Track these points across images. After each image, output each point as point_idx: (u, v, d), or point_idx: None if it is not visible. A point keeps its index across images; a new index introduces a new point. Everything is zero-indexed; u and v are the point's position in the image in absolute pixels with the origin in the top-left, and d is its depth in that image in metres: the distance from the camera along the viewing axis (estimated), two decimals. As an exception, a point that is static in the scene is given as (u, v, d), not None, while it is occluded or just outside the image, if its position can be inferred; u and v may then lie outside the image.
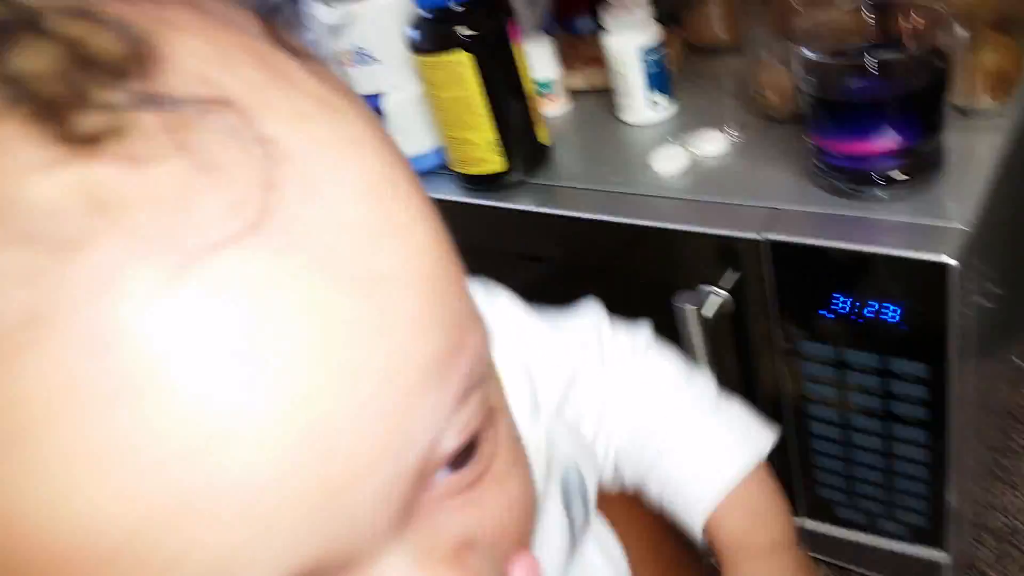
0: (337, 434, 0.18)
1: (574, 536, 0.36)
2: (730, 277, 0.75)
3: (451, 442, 0.21)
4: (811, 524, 0.90)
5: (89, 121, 0.16)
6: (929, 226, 0.64)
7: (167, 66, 0.18)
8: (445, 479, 0.22)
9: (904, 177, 0.67)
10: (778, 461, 0.86)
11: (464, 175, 0.89)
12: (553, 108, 0.99)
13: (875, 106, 0.64)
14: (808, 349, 0.74)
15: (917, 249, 0.63)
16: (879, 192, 0.68)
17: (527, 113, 0.86)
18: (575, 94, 1.01)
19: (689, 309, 0.73)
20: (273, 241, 0.17)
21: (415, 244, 0.20)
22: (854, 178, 0.68)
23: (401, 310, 0.19)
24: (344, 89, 0.21)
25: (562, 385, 0.42)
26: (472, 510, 0.23)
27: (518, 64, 0.84)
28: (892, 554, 0.85)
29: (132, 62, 0.17)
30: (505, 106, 0.84)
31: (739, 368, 0.81)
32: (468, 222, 0.93)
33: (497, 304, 0.44)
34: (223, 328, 0.17)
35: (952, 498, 0.76)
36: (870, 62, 0.62)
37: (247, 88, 0.18)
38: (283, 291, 0.17)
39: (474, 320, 0.22)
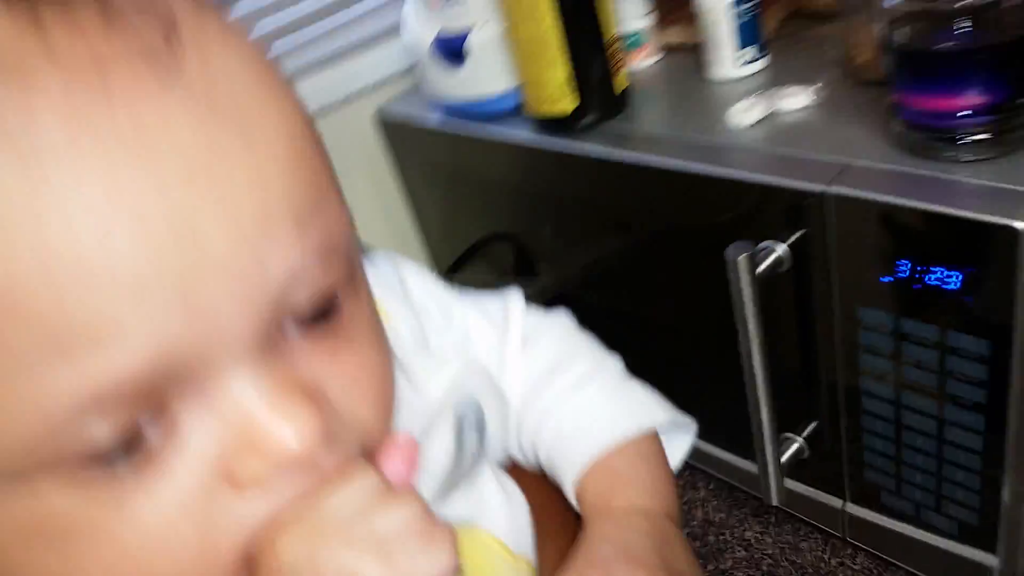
0: (201, 229, 0.21)
1: (461, 463, 0.36)
2: (792, 234, 0.72)
3: (307, 290, 0.24)
4: (855, 509, 0.86)
5: None
6: (1007, 190, 0.60)
7: None
8: (303, 331, 0.25)
9: (986, 136, 0.62)
10: (828, 437, 0.84)
11: (537, 118, 0.89)
12: (641, 61, 0.98)
13: (964, 58, 0.60)
14: (866, 316, 0.71)
15: (988, 212, 0.59)
16: (959, 152, 0.64)
17: (604, 55, 0.85)
18: (667, 50, 0.99)
19: (740, 261, 0.70)
20: (170, 76, 0.22)
21: (288, 114, 0.25)
22: (934, 136, 0.64)
23: (271, 155, 0.23)
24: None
25: (456, 337, 0.42)
26: (327, 358, 0.26)
27: (599, 4, 0.83)
28: (938, 552, 0.80)
29: None
30: (581, 44, 0.83)
31: (795, 334, 0.78)
32: (537, 167, 0.93)
33: (403, 267, 0.44)
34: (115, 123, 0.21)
35: (1007, 495, 0.71)
36: (962, 8, 0.58)
37: None
38: (174, 112, 0.21)
39: (336, 202, 0.26)
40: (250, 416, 0.23)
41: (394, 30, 1.11)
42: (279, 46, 1.09)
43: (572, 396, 0.42)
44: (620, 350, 0.48)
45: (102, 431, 0.21)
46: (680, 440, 0.45)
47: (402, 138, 1.12)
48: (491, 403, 0.39)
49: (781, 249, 0.72)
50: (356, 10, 1.14)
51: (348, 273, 0.26)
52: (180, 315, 0.21)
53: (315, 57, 1.09)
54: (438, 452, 0.34)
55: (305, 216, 0.24)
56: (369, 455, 0.27)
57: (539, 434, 0.42)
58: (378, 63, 1.12)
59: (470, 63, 0.94)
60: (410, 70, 1.12)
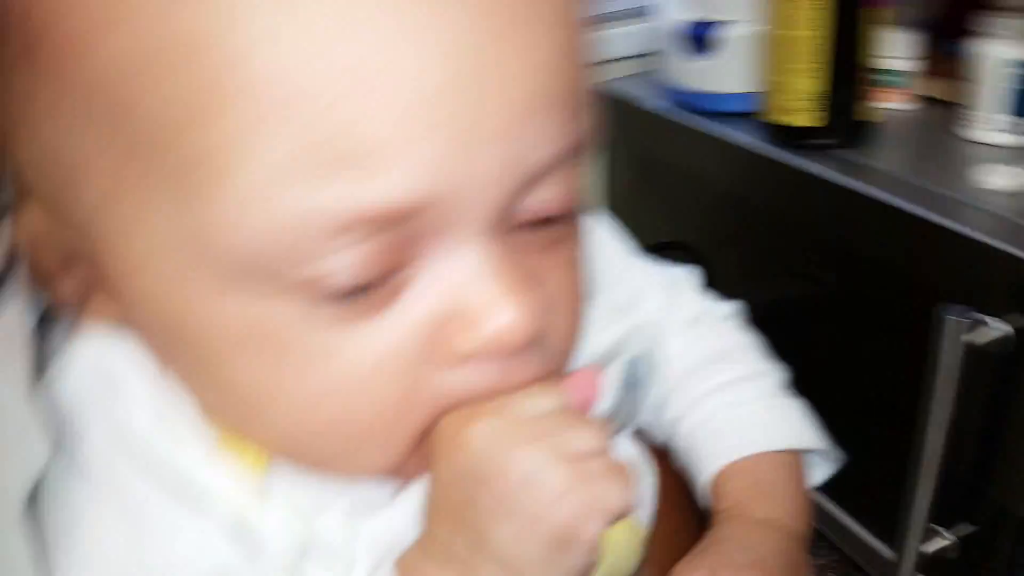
0: (488, 82, 0.21)
1: (616, 418, 0.36)
2: (1019, 318, 0.65)
3: (551, 188, 0.25)
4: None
5: None
6: None
7: None
8: (531, 227, 0.25)
9: None
10: (983, 549, 0.74)
11: (775, 125, 0.85)
12: (894, 102, 0.92)
13: None
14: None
15: None
16: None
17: (858, 81, 0.81)
18: (924, 100, 0.93)
19: (954, 325, 0.64)
20: None
21: (576, 11, 0.25)
22: None
23: (563, 41, 0.23)
24: None
25: (628, 292, 0.41)
26: (544, 263, 0.26)
27: (864, 28, 0.78)
28: None
29: None
30: (837, 62, 0.79)
31: (989, 424, 0.71)
32: (755, 173, 0.89)
33: (600, 225, 0.43)
34: None
35: None
36: None
37: None
38: None
39: (587, 116, 0.26)
40: (478, 288, 0.24)
41: (633, 13, 1.11)
42: None
43: (730, 391, 0.41)
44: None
45: (342, 261, 0.22)
46: (820, 468, 0.43)
47: (622, 116, 1.11)
48: (654, 368, 0.39)
49: (1003, 328, 0.66)
50: None
51: (578, 187, 0.26)
52: (448, 159, 0.21)
53: None
54: (600, 404, 0.33)
55: (574, 111, 0.24)
56: (547, 371, 0.27)
57: (685, 418, 0.41)
58: (612, 41, 1.12)
59: (716, 55, 0.92)
60: (643, 55, 1.10)
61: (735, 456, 0.39)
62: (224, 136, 0.20)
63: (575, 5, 0.25)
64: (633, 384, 0.37)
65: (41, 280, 0.27)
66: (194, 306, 0.23)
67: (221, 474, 0.26)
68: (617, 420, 0.36)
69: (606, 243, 0.42)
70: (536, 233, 0.26)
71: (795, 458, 0.40)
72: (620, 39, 1.13)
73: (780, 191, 0.86)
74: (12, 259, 0.27)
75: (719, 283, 1.02)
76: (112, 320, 0.27)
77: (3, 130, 0.24)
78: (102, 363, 0.27)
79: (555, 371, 0.28)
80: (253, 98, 0.20)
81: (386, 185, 0.21)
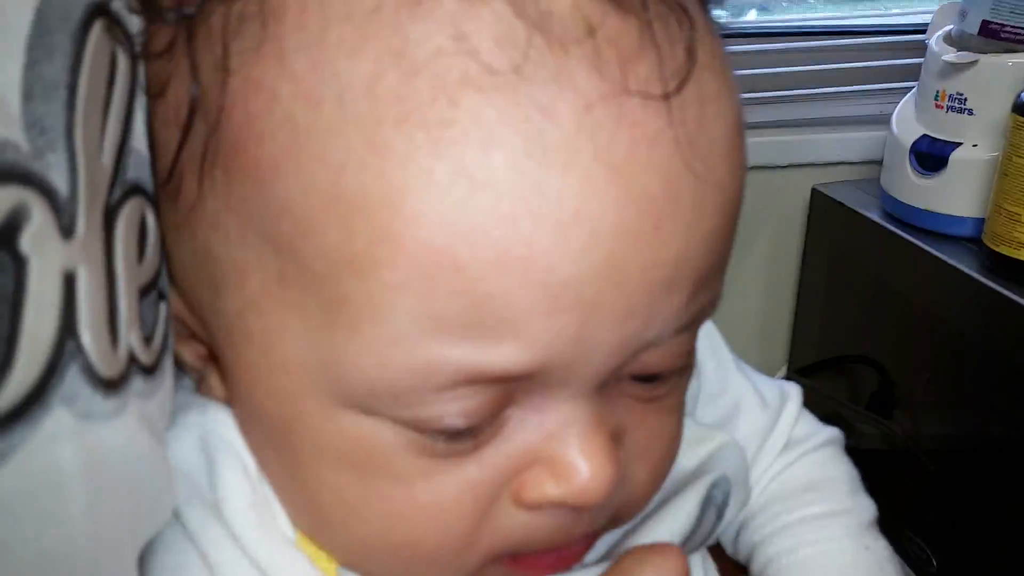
0: (628, 261, 0.22)
1: (693, 539, 0.35)
2: None
3: (662, 354, 0.26)
4: None
5: None
6: None
7: None
8: (632, 384, 0.27)
9: None
10: None
11: (997, 254, 0.84)
12: None
13: None
14: None
15: None
16: None
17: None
18: None
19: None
20: (667, 102, 0.22)
21: (738, 184, 0.25)
22: None
23: (712, 219, 0.24)
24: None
25: (725, 410, 0.41)
26: (636, 418, 0.27)
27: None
28: None
29: None
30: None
31: None
32: (964, 301, 0.88)
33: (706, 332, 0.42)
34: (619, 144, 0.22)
35: None
36: None
37: None
38: (660, 141, 0.22)
39: (722, 278, 0.27)
40: (566, 443, 0.25)
41: (863, 120, 1.06)
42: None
43: (816, 525, 0.40)
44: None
45: (453, 408, 0.23)
46: None
47: (830, 218, 1.08)
48: (738, 489, 0.37)
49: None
50: (836, 89, 1.08)
51: (692, 348, 0.28)
52: (575, 334, 0.23)
53: (783, 118, 1.10)
54: (677, 522, 0.33)
55: (702, 284, 0.25)
56: (618, 516, 0.29)
57: (766, 545, 0.40)
58: (835, 144, 1.08)
59: (943, 174, 0.90)
60: (864, 162, 1.06)
61: None
62: (377, 287, 0.22)
63: (732, 189, 0.25)
64: (714, 504, 0.35)
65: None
66: (304, 419, 0.25)
67: (299, 572, 0.27)
68: (695, 539, 0.35)
69: (710, 353, 0.41)
70: (639, 385, 0.27)
71: None
72: (844, 143, 1.09)
73: (990, 321, 0.86)
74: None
75: (903, 406, 1.07)
76: (221, 400, 0.28)
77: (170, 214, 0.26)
78: (212, 435, 0.28)
79: (625, 517, 0.30)
80: (411, 261, 0.21)
81: (512, 351, 0.22)
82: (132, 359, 0.25)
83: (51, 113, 0.21)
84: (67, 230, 0.22)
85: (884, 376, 1.05)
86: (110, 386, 0.23)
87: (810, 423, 0.43)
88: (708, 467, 0.36)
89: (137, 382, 0.25)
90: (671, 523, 0.33)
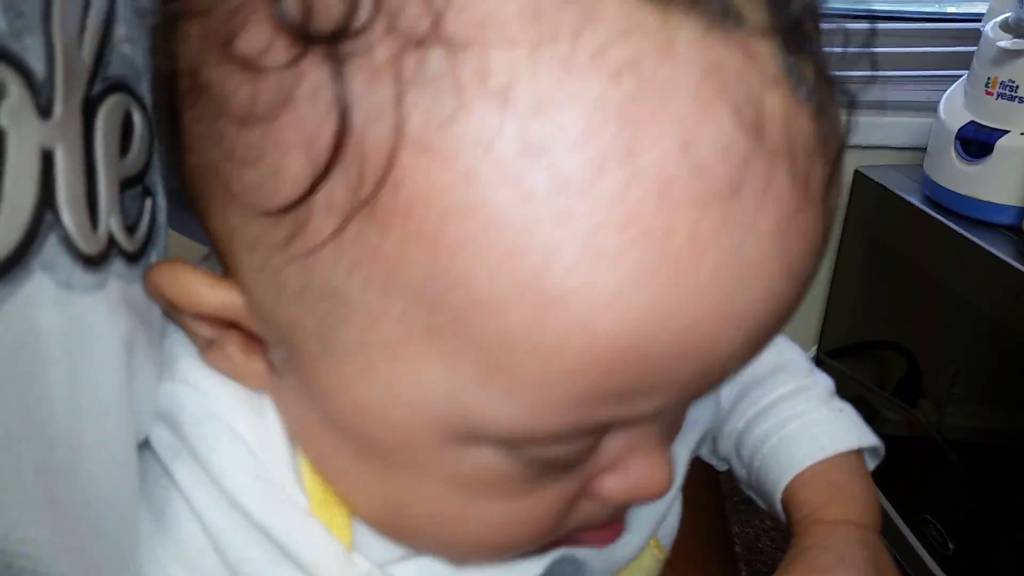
0: (735, 311, 0.22)
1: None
2: None
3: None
4: None
5: None
6: None
7: None
8: None
9: None
10: None
11: None
12: None
13: None
14: None
15: None
16: None
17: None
18: None
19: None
20: (825, 205, 0.23)
21: (828, 231, 0.25)
22: None
23: (807, 265, 0.24)
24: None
25: None
26: (679, 419, 0.30)
27: None
28: None
29: None
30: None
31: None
32: (1003, 290, 0.88)
33: None
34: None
35: None
36: None
37: None
38: (816, 239, 0.23)
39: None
40: (641, 454, 0.27)
41: (911, 105, 1.05)
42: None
43: (795, 400, 0.42)
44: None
45: (570, 448, 0.25)
46: (870, 464, 0.44)
47: (870, 202, 1.08)
48: (714, 424, 0.40)
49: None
50: (886, 73, 1.06)
51: None
52: (687, 383, 0.24)
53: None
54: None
55: (781, 324, 0.25)
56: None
57: (753, 427, 0.42)
58: (880, 128, 1.07)
59: (990, 161, 0.90)
60: (909, 148, 1.05)
61: (810, 462, 0.40)
62: (555, 369, 0.22)
63: (823, 246, 0.25)
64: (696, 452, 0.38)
65: (164, 308, 0.28)
66: (416, 445, 0.25)
67: (313, 541, 0.28)
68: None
69: None
70: None
71: (858, 457, 0.42)
72: (890, 128, 1.08)
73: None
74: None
75: (929, 395, 1.06)
76: (229, 371, 0.28)
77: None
78: (210, 404, 0.28)
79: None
80: (600, 353, 0.22)
81: (644, 408, 0.24)
82: (113, 242, 0.25)
83: (28, 0, 0.22)
84: (44, 110, 0.22)
85: (912, 363, 1.05)
86: (90, 261, 0.24)
87: None
88: (692, 421, 0.38)
89: (118, 265, 0.25)
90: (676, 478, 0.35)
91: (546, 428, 0.24)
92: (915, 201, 1.01)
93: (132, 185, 0.27)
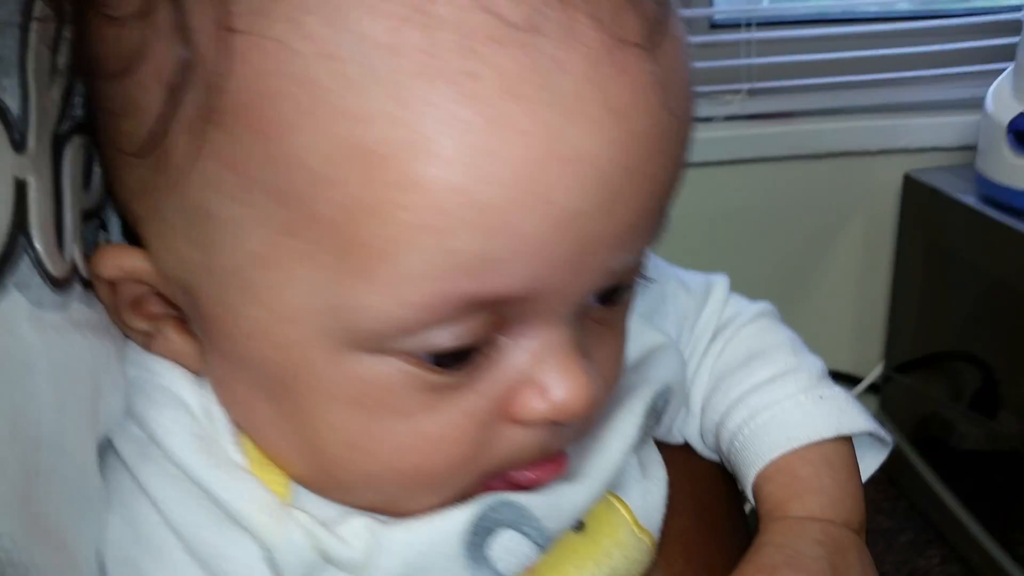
0: (620, 197, 0.25)
1: (639, 438, 0.35)
2: None
3: (626, 275, 0.29)
4: None
5: None
6: None
7: None
8: (594, 308, 0.29)
9: None
10: None
11: None
12: None
13: None
14: None
15: None
16: None
17: None
18: None
19: None
20: (653, 51, 0.25)
21: (690, 121, 0.28)
22: None
23: (677, 153, 0.27)
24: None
25: (651, 303, 0.42)
26: (595, 339, 0.30)
27: None
28: None
29: None
30: None
31: None
32: None
33: None
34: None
35: None
36: None
37: None
38: (645, 85, 0.25)
39: (668, 214, 0.29)
40: (552, 364, 0.27)
41: (956, 104, 1.02)
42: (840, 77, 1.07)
43: (768, 388, 0.39)
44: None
45: (454, 332, 0.25)
46: (873, 455, 0.42)
47: (926, 207, 1.04)
48: (677, 396, 0.39)
49: None
50: (928, 72, 1.04)
51: (643, 265, 0.30)
52: (563, 265, 0.25)
53: (874, 103, 1.07)
54: (626, 435, 0.34)
55: (662, 210, 0.27)
56: (580, 431, 0.31)
57: (727, 421, 0.40)
58: (929, 130, 1.05)
59: None
60: (959, 148, 1.02)
61: (774, 455, 0.38)
62: (396, 229, 0.23)
63: (690, 124, 0.28)
64: (655, 412, 0.37)
65: (109, 310, 0.30)
66: (309, 365, 0.26)
67: (250, 496, 0.28)
68: (636, 444, 0.35)
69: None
70: (600, 308, 0.29)
71: (839, 446, 0.39)
72: (937, 128, 1.06)
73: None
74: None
75: (1009, 406, 1.00)
76: (173, 353, 0.30)
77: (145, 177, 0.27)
78: (144, 384, 0.30)
79: (586, 431, 0.32)
80: (433, 203, 0.23)
81: (509, 279, 0.24)
82: (75, 268, 0.27)
83: (5, 46, 0.24)
84: (19, 144, 0.24)
85: (988, 373, 1.01)
86: (57, 283, 0.26)
87: (739, 302, 0.44)
88: (651, 375, 0.37)
89: (78, 289, 0.27)
90: (621, 436, 0.34)
91: (412, 310, 0.24)
92: (970, 201, 0.97)
93: (90, 218, 0.29)
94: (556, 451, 0.31)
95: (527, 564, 0.30)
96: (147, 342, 0.30)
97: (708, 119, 1.06)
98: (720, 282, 0.44)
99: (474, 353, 0.27)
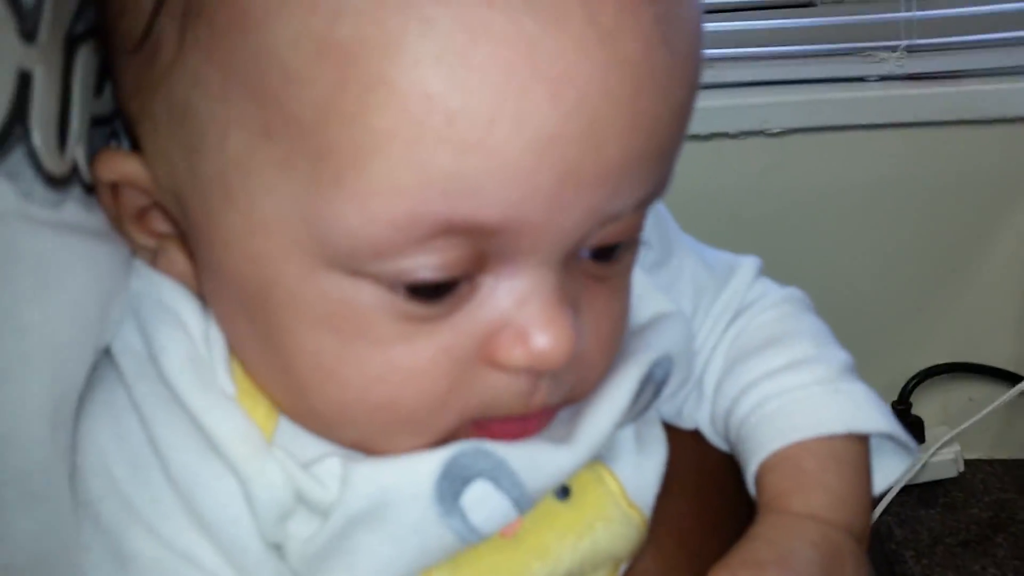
0: (604, 130, 0.24)
1: (629, 415, 0.34)
2: None
3: (619, 226, 0.28)
4: None
5: None
6: None
7: None
8: (589, 262, 0.29)
9: None
10: None
11: None
12: None
13: None
14: None
15: None
16: None
17: None
18: None
19: None
20: None
21: (698, 67, 0.27)
22: None
23: (680, 96, 0.26)
24: None
25: (668, 278, 0.41)
26: (589, 295, 0.29)
27: None
28: None
29: None
30: None
31: None
32: None
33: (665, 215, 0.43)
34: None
35: None
36: None
37: None
38: (637, 12, 0.24)
39: (672, 166, 0.29)
40: (532, 310, 0.27)
41: None
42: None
43: (782, 376, 0.38)
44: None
45: (431, 260, 0.25)
46: (895, 461, 0.40)
47: None
48: (680, 367, 0.37)
49: None
50: None
51: (642, 224, 0.30)
52: (544, 195, 0.24)
53: None
54: (616, 401, 0.33)
55: (664, 159, 0.27)
56: (573, 394, 0.31)
57: (737, 408, 0.39)
58: None
59: None
60: None
61: (779, 445, 0.37)
62: (366, 133, 0.23)
63: (695, 70, 0.27)
64: (654, 381, 0.35)
65: (112, 220, 0.29)
66: (284, 281, 0.26)
67: (232, 424, 0.28)
68: (629, 414, 0.34)
69: (654, 223, 0.38)
70: (594, 263, 0.29)
71: (850, 444, 0.37)
72: None
73: None
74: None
75: None
76: (177, 274, 0.30)
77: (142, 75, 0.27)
78: (146, 299, 0.30)
79: (579, 395, 0.31)
80: (403, 107, 0.23)
81: (492, 204, 0.24)
82: (76, 170, 0.27)
83: None
84: (28, 35, 0.25)
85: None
86: (52, 180, 0.26)
87: (765, 285, 0.43)
88: (652, 341, 0.35)
89: (78, 191, 0.28)
90: (611, 401, 0.33)
91: (382, 227, 0.24)
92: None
93: (102, 124, 0.30)
94: (540, 406, 0.30)
95: (504, 522, 0.30)
96: (153, 260, 0.31)
97: (860, 79, 0.96)
98: (747, 263, 0.43)
99: (454, 288, 0.27)
